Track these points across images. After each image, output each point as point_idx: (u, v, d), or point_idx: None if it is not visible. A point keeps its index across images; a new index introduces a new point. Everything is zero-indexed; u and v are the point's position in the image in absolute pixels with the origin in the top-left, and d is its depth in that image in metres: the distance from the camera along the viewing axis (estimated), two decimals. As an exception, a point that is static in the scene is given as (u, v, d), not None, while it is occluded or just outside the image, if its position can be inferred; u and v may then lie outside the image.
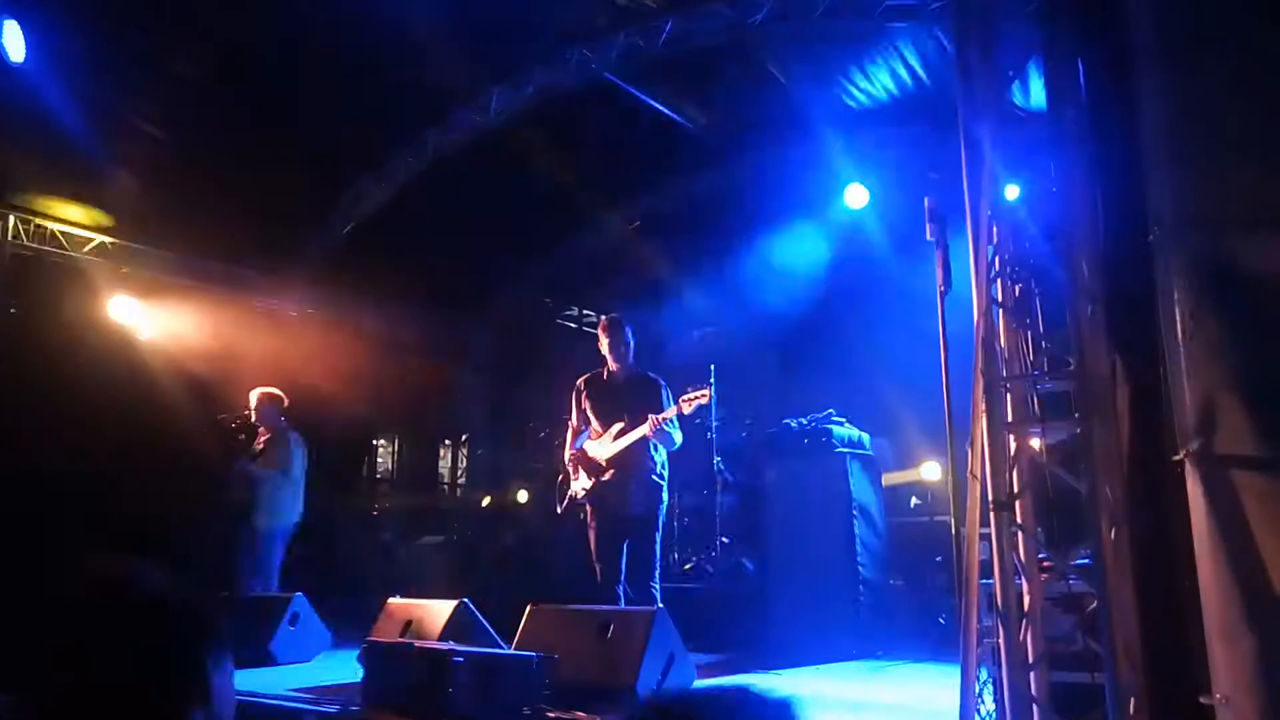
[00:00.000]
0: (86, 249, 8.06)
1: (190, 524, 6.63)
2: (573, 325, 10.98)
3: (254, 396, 6.61)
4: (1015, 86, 4.23)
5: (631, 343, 5.38)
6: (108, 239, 8.15)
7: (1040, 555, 2.76)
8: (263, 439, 6.60)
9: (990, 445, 2.70)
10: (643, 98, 8.20)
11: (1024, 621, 2.68)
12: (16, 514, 5.90)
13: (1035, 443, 2.86)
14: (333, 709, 4.01)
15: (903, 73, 7.21)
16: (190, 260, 8.78)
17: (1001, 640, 2.65)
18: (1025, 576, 2.70)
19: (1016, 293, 2.91)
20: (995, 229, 3.05)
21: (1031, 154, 3.43)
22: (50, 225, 7.84)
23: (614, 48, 7.29)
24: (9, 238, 7.63)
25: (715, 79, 8.07)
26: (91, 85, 6.52)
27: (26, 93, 6.02)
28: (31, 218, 7.72)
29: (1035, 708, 2.61)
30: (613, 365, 5.38)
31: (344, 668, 4.64)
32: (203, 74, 7.06)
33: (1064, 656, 2.67)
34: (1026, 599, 2.71)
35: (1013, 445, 2.78)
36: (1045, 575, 2.77)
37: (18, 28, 5.56)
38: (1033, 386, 2.87)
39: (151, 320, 8.34)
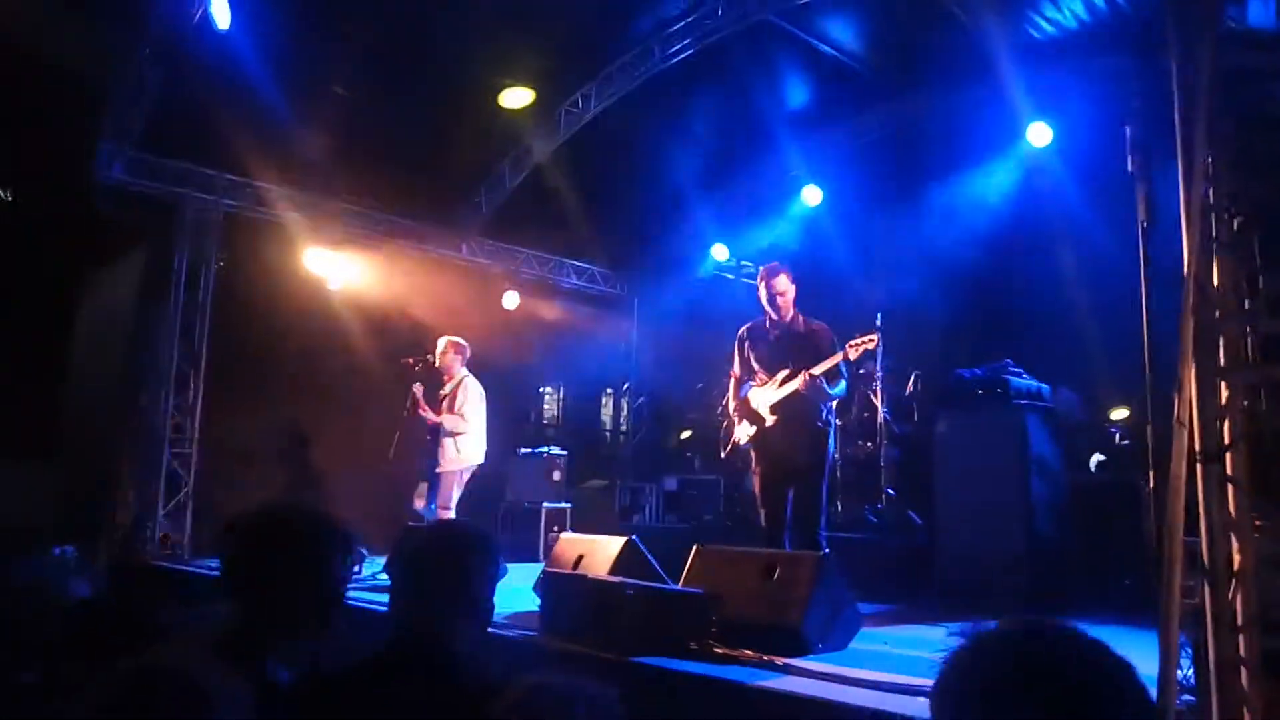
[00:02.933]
0: (286, 205, 8.69)
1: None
2: (730, 276, 10.92)
3: (441, 344, 7.02)
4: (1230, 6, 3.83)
5: (792, 290, 5.30)
6: (301, 194, 8.75)
7: (1253, 512, 2.55)
8: (448, 384, 7.01)
9: (1199, 392, 2.51)
10: (808, 39, 7.97)
11: (1233, 581, 2.50)
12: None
13: (1250, 391, 2.63)
14: (512, 634, 4.25)
15: (1098, -1, 6.66)
16: (374, 214, 9.32)
17: (1208, 601, 2.49)
18: (1236, 534, 2.51)
19: (1235, 227, 2.67)
20: (1210, 160, 2.80)
21: (1251, 80, 3.11)
22: (254, 183, 8.49)
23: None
24: (220, 196, 8.33)
25: (884, 16, 7.74)
26: (284, 49, 6.99)
27: (231, 59, 6.53)
28: (236, 177, 8.39)
29: (1244, 672, 2.44)
30: (773, 314, 5.33)
31: (520, 597, 4.90)
32: (382, 36, 7.43)
33: (1278, 620, 2.48)
34: (1236, 558, 2.52)
35: (1225, 393, 2.57)
36: (1258, 534, 2.56)
37: (224, -3, 6.00)
38: (1249, 329, 2.64)
39: (340, 269, 8.94)
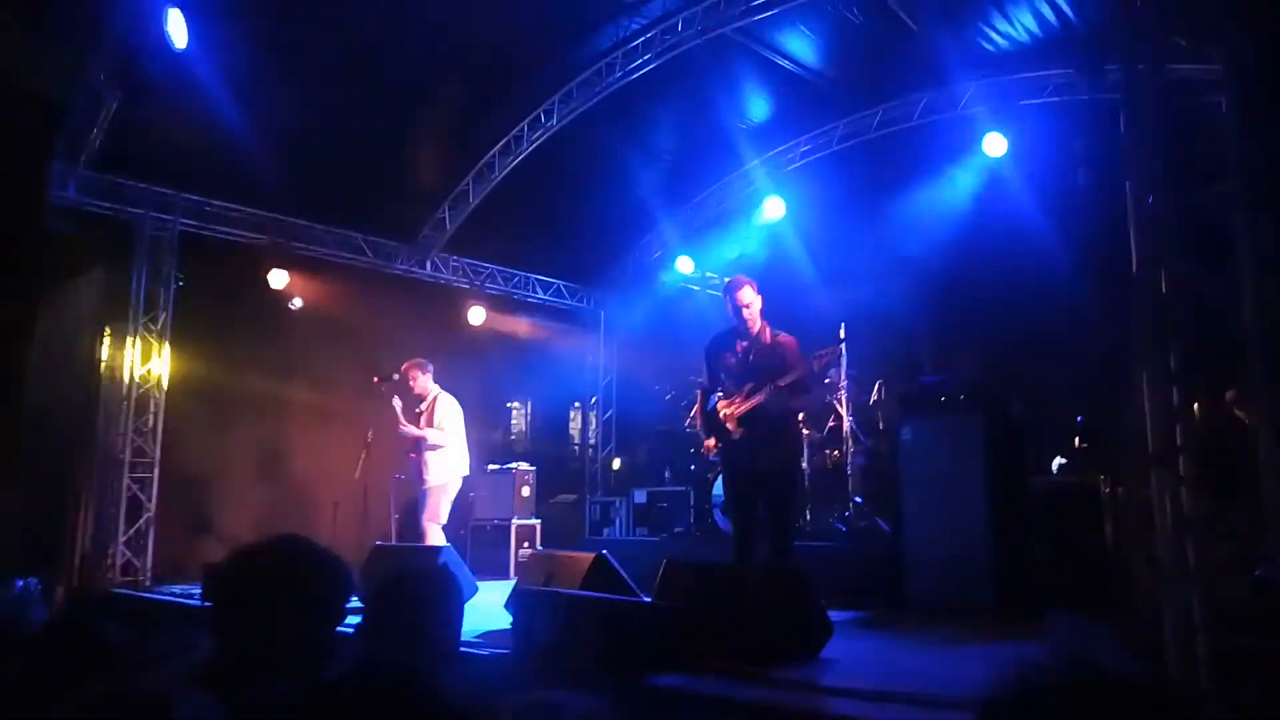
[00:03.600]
0: (245, 226, 8.59)
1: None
2: (695, 288, 10.98)
3: (406, 367, 7.02)
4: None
5: (757, 302, 5.35)
6: (264, 214, 8.65)
7: (1207, 514, 2.62)
8: (424, 403, 7.02)
9: (1151, 397, 2.58)
10: (767, 52, 8.06)
11: (1188, 583, 2.56)
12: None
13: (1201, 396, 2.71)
14: (483, 651, 4.23)
15: (1047, 12, 6.82)
16: (335, 231, 9.24)
17: (1165, 602, 2.55)
18: (1191, 535, 2.58)
19: (1180, 237, 2.75)
20: (1156, 170, 2.88)
21: (1198, 90, 3.22)
22: (214, 203, 8.38)
23: (735, 3, 7.20)
24: (178, 216, 8.21)
25: (841, 29, 7.85)
26: (244, 69, 6.93)
27: (188, 77, 6.46)
28: (195, 197, 8.28)
29: (1200, 670, 2.50)
30: (739, 326, 5.38)
31: (490, 613, 4.87)
32: (342, 54, 7.40)
33: (1232, 617, 2.54)
34: (1191, 558, 2.59)
35: (1176, 398, 2.65)
36: (1213, 534, 2.63)
37: (180, 16, 5.94)
38: (1198, 336, 2.72)
39: (302, 289, 8.86)
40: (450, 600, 2.03)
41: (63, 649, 2.37)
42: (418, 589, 2.01)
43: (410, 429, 6.88)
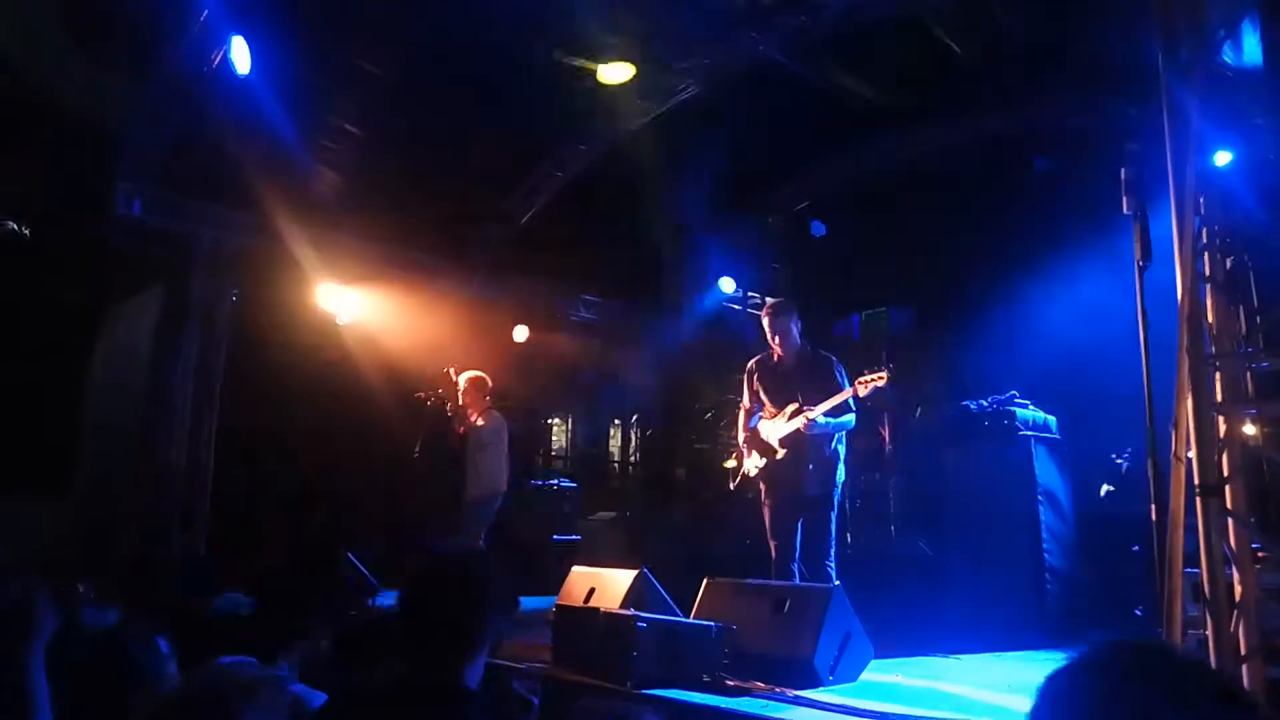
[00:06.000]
0: (297, 241, 8.81)
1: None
2: (736, 307, 11.02)
3: (462, 380, 7.15)
4: (1226, 46, 3.93)
5: (795, 327, 5.39)
6: (315, 229, 8.87)
7: (1253, 544, 2.60)
8: (473, 417, 7.15)
9: (1197, 427, 2.57)
10: (811, 75, 8.11)
11: (1235, 612, 2.55)
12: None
13: (1249, 426, 2.70)
14: (523, 666, 4.29)
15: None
16: (384, 249, 9.44)
17: (1210, 631, 2.53)
18: (1237, 565, 2.56)
19: (1228, 266, 2.74)
20: (1202, 199, 2.88)
21: (1244, 118, 3.21)
22: (269, 219, 8.62)
23: (781, 28, 7.26)
24: (236, 233, 8.47)
25: (887, 51, 7.87)
26: (298, 88, 7.16)
27: (250, 101, 6.70)
28: (251, 215, 8.53)
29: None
30: (778, 349, 5.41)
31: (531, 628, 4.94)
32: (391, 75, 7.61)
33: (1280, 650, 2.52)
34: (1238, 589, 2.57)
35: (1223, 427, 2.64)
36: (1259, 565, 2.61)
37: (244, 43, 6.17)
38: (1246, 365, 2.71)
39: (351, 304, 9.05)
40: (489, 594, 2.14)
41: (119, 657, 2.48)
42: (455, 582, 2.11)
43: (466, 415, 6.98)
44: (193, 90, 6.82)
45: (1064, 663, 0.99)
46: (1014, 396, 6.14)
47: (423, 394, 7.12)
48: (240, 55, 6.18)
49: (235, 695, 1.65)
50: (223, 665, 1.93)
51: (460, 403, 7.14)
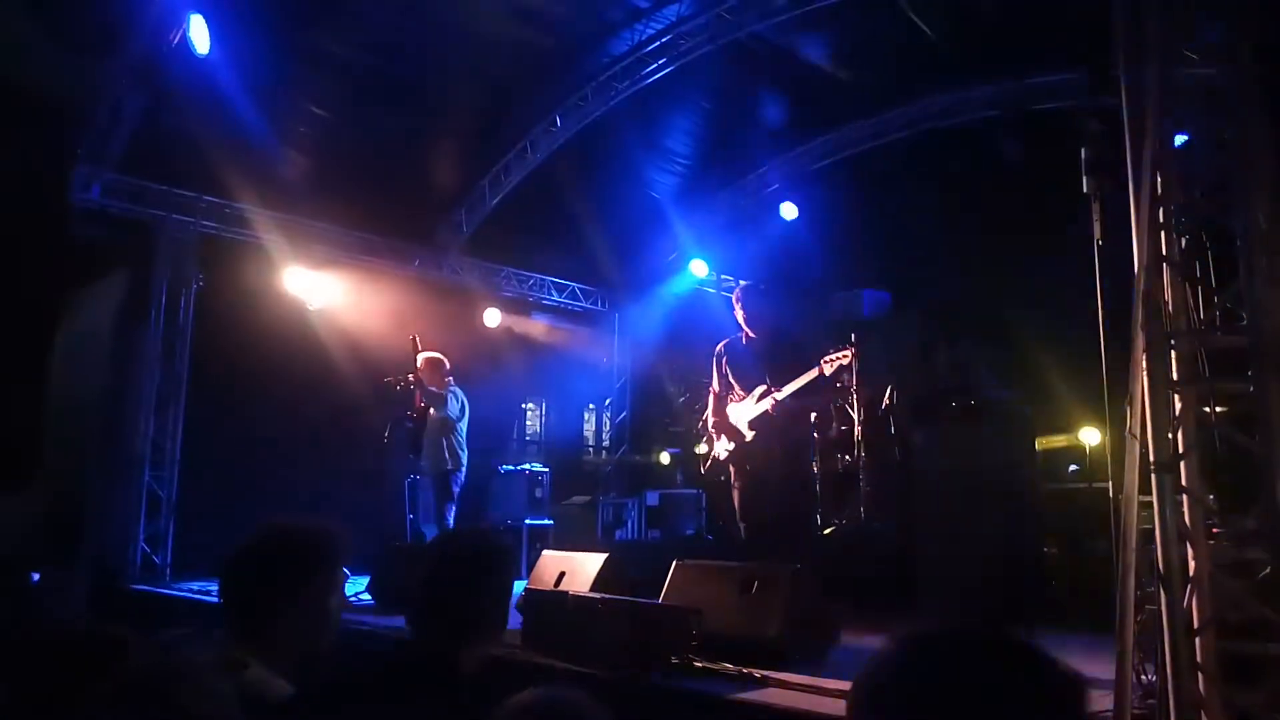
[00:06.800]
0: (263, 226, 8.69)
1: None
2: (710, 290, 11.02)
3: (420, 360, 7.11)
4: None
5: (765, 309, 5.39)
6: (282, 215, 8.76)
7: (1207, 520, 2.64)
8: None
9: (1152, 404, 2.59)
10: (784, 55, 8.09)
11: (1189, 587, 2.58)
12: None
13: (1203, 404, 2.73)
14: (496, 651, 4.28)
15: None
16: (353, 234, 9.34)
17: (1164, 606, 2.57)
18: (1190, 541, 2.59)
19: (1183, 245, 2.77)
20: (1160, 178, 2.90)
21: (1201, 99, 3.22)
22: (233, 204, 8.50)
23: (754, 6, 7.23)
24: (199, 218, 8.33)
25: (857, 31, 7.87)
26: (262, 71, 7.04)
27: (211, 83, 6.57)
28: (215, 199, 8.40)
29: (1201, 676, 2.52)
30: (749, 331, 5.42)
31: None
32: (360, 58, 7.51)
33: (1233, 624, 2.56)
34: (1192, 564, 2.60)
35: (1178, 405, 2.66)
36: (1213, 541, 2.65)
37: (203, 22, 6.04)
38: (1200, 343, 2.73)
39: (320, 290, 8.95)
40: (508, 576, 2.17)
41: (81, 644, 2.43)
42: (480, 561, 2.11)
43: (431, 389, 6.97)
44: (152, 70, 6.69)
45: (875, 661, 1.00)
46: (980, 376, 6.18)
47: (391, 378, 7.07)
48: (199, 34, 6.05)
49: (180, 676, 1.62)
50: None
51: (413, 384, 7.13)
